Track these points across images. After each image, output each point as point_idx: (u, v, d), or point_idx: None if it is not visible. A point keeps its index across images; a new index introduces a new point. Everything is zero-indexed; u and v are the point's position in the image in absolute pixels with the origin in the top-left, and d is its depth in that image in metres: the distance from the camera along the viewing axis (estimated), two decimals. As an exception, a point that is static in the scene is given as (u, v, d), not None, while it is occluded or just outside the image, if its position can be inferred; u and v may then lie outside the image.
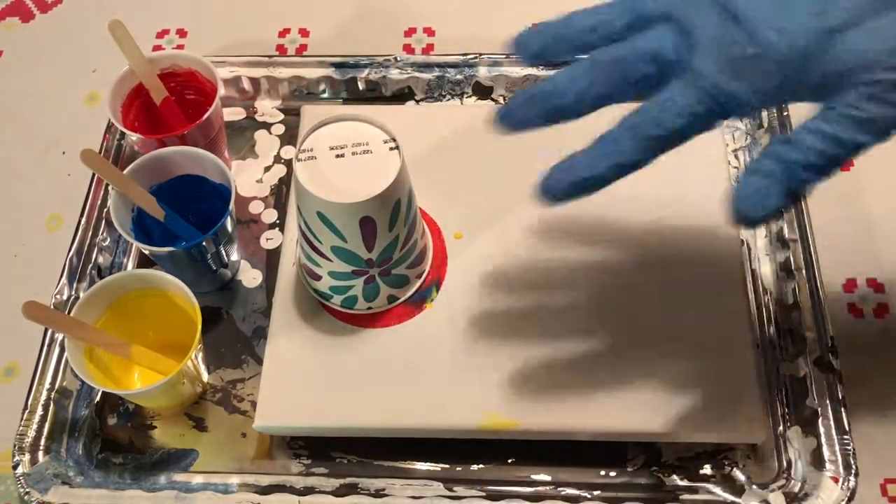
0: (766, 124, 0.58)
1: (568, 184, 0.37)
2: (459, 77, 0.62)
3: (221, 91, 0.56)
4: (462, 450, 0.49)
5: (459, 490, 0.48)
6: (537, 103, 0.37)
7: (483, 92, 0.62)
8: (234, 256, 0.55)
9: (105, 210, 0.57)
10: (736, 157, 0.59)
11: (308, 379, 0.49)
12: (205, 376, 0.52)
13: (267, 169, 0.61)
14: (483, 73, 0.62)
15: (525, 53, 0.39)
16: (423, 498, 0.47)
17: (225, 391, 0.52)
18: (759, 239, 0.56)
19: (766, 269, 0.55)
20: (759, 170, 0.34)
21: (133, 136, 0.54)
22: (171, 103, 0.56)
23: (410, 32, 0.67)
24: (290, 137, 0.62)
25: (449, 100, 0.62)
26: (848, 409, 0.48)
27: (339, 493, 0.48)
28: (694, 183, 0.53)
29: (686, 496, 0.48)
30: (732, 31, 0.34)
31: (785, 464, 0.49)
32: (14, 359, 0.54)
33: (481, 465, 0.49)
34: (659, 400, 0.47)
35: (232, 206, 0.50)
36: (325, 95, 0.63)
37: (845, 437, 0.47)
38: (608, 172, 0.36)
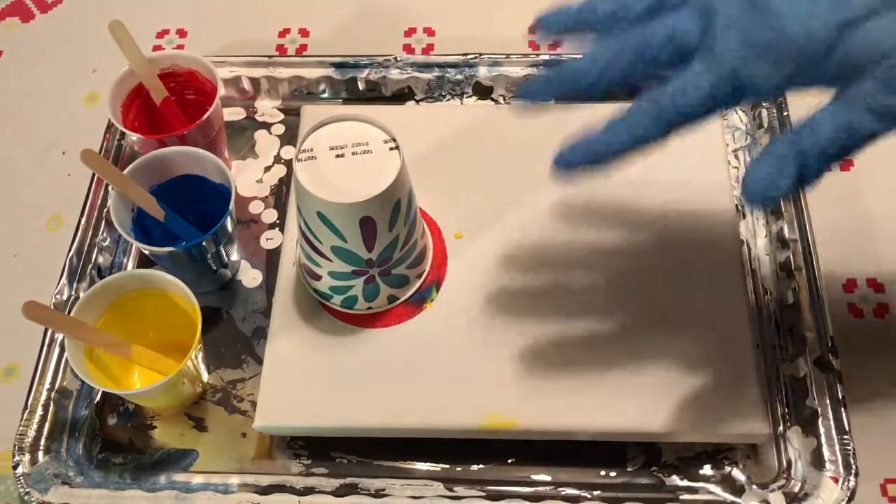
0: (766, 124, 0.58)
1: (582, 158, 0.37)
2: (459, 77, 0.62)
3: (221, 91, 0.56)
4: (462, 450, 0.49)
5: (459, 490, 0.48)
6: (558, 81, 0.38)
7: (483, 92, 0.62)
8: (234, 256, 0.55)
9: (105, 210, 0.57)
10: (736, 157, 0.59)
11: (308, 379, 0.49)
12: (205, 376, 0.52)
13: (267, 169, 0.61)
14: (483, 73, 0.62)
15: (545, 34, 0.39)
16: (423, 498, 0.47)
17: (225, 391, 0.52)
18: (759, 239, 0.56)
19: (766, 269, 0.55)
20: (771, 153, 0.35)
21: (133, 136, 0.54)
22: (171, 103, 0.56)
23: (410, 32, 0.67)
24: (290, 137, 0.62)
25: (449, 100, 0.62)
26: (848, 409, 0.48)
27: (339, 493, 0.48)
28: (693, 184, 0.53)
29: (686, 496, 0.48)
30: (753, 16, 0.34)
31: (785, 464, 0.49)
32: (14, 359, 0.54)
33: (481, 465, 0.49)
34: (659, 400, 0.47)
35: (232, 206, 0.50)
36: (325, 95, 0.63)
37: (845, 437, 0.47)
38: (623, 149, 0.37)
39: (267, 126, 0.63)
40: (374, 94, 0.63)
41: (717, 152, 0.55)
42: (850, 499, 0.46)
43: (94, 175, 0.58)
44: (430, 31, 0.67)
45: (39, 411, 0.50)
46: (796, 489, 0.47)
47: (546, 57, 0.61)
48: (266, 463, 0.50)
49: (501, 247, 0.52)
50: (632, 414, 0.47)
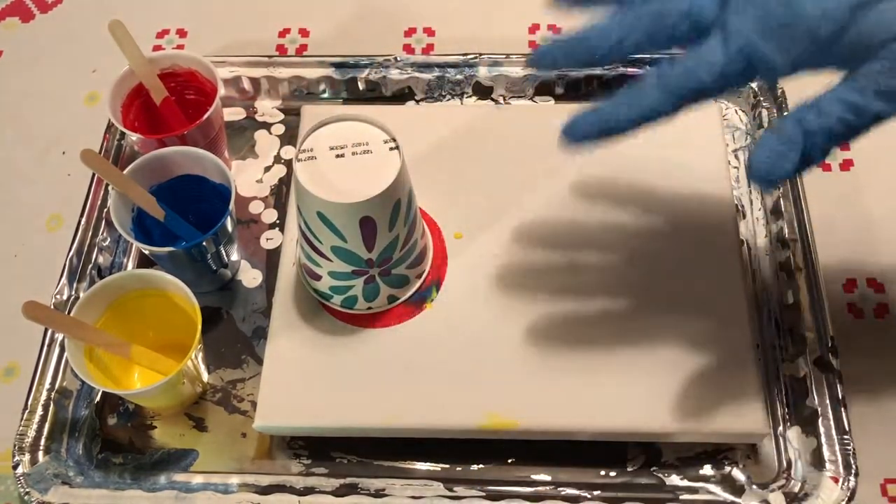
0: (766, 124, 0.58)
1: (591, 128, 0.38)
2: (459, 77, 0.62)
3: (221, 91, 0.56)
4: (462, 450, 0.49)
5: (459, 490, 0.48)
6: (572, 49, 0.38)
7: (483, 92, 0.62)
8: (234, 256, 0.55)
9: (105, 210, 0.57)
10: (736, 157, 0.59)
11: (308, 379, 0.49)
12: (205, 376, 0.52)
13: (267, 169, 0.61)
14: (483, 73, 0.62)
15: (561, 3, 0.40)
16: (423, 498, 0.47)
17: (225, 391, 0.52)
18: (759, 239, 0.56)
19: (766, 269, 0.55)
20: (779, 133, 0.35)
21: (133, 136, 0.54)
22: (171, 103, 0.56)
23: (410, 32, 0.67)
24: (290, 137, 0.62)
25: (449, 100, 0.62)
26: (848, 409, 0.48)
27: (339, 493, 0.48)
28: (693, 184, 0.53)
29: (686, 496, 0.48)
30: None
31: (785, 464, 0.49)
32: (14, 359, 0.54)
33: (481, 465, 0.49)
34: (659, 400, 0.47)
35: (232, 206, 0.50)
36: (325, 95, 0.63)
37: (845, 437, 0.47)
38: (633, 121, 0.37)
39: (267, 126, 0.63)
40: (374, 94, 0.63)
41: (718, 152, 0.55)
42: (850, 499, 0.46)
43: (94, 175, 0.58)
44: (430, 31, 0.67)
45: (39, 411, 0.50)
46: (796, 489, 0.47)
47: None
48: (266, 463, 0.50)
49: (501, 247, 0.52)
50: (632, 414, 0.47)
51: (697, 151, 0.55)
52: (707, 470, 0.49)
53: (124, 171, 0.51)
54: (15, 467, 0.48)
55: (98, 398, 0.52)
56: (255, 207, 0.59)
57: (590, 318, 0.50)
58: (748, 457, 0.49)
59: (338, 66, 0.62)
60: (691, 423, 0.46)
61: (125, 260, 0.57)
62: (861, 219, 0.57)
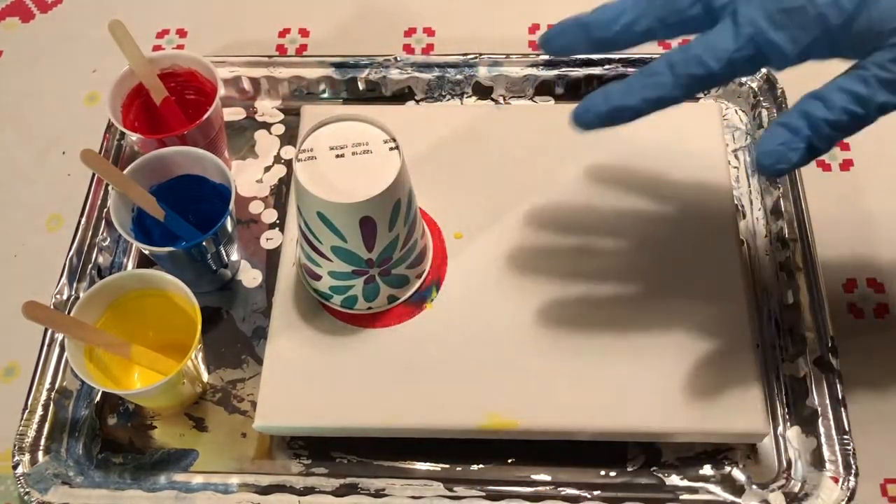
0: (765, 124, 0.58)
1: (601, 111, 0.38)
2: (459, 77, 0.62)
3: (221, 91, 0.56)
4: (462, 450, 0.49)
5: (459, 490, 0.48)
6: (582, 31, 0.38)
7: (483, 92, 0.62)
8: (234, 256, 0.55)
9: (105, 210, 0.57)
10: (736, 157, 0.59)
11: (308, 379, 0.49)
12: (205, 376, 0.52)
13: (267, 169, 0.61)
14: (483, 73, 0.62)
15: None
16: (423, 498, 0.47)
17: (225, 391, 0.52)
18: (759, 239, 0.56)
19: (766, 269, 0.55)
20: (785, 124, 0.35)
21: (133, 136, 0.54)
22: (171, 103, 0.56)
23: (410, 32, 0.67)
24: (290, 137, 0.62)
25: (449, 100, 0.62)
26: (848, 409, 0.48)
27: (339, 493, 0.48)
28: (693, 184, 0.53)
29: (686, 496, 0.48)
30: None
31: (785, 464, 0.49)
32: (14, 359, 0.54)
33: (481, 465, 0.49)
34: (659, 400, 0.47)
35: (232, 206, 0.50)
36: (325, 95, 0.63)
37: (845, 437, 0.47)
38: (642, 105, 0.37)
39: (267, 126, 0.63)
40: (374, 94, 0.63)
41: (717, 152, 0.55)
42: (850, 499, 0.46)
43: (94, 175, 0.58)
44: (430, 31, 0.67)
45: (39, 411, 0.50)
46: (796, 489, 0.47)
47: (546, 57, 0.61)
48: (266, 463, 0.50)
49: (501, 247, 0.52)
50: (632, 413, 0.47)
51: (697, 151, 0.54)
52: (707, 470, 0.49)
53: (124, 171, 0.51)
54: (15, 467, 0.48)
55: (98, 398, 0.52)
56: (255, 207, 0.59)
57: (590, 319, 0.50)
58: (748, 457, 0.49)
59: (338, 66, 0.62)
60: (691, 423, 0.46)
61: (125, 260, 0.57)
62: (861, 218, 0.57)
